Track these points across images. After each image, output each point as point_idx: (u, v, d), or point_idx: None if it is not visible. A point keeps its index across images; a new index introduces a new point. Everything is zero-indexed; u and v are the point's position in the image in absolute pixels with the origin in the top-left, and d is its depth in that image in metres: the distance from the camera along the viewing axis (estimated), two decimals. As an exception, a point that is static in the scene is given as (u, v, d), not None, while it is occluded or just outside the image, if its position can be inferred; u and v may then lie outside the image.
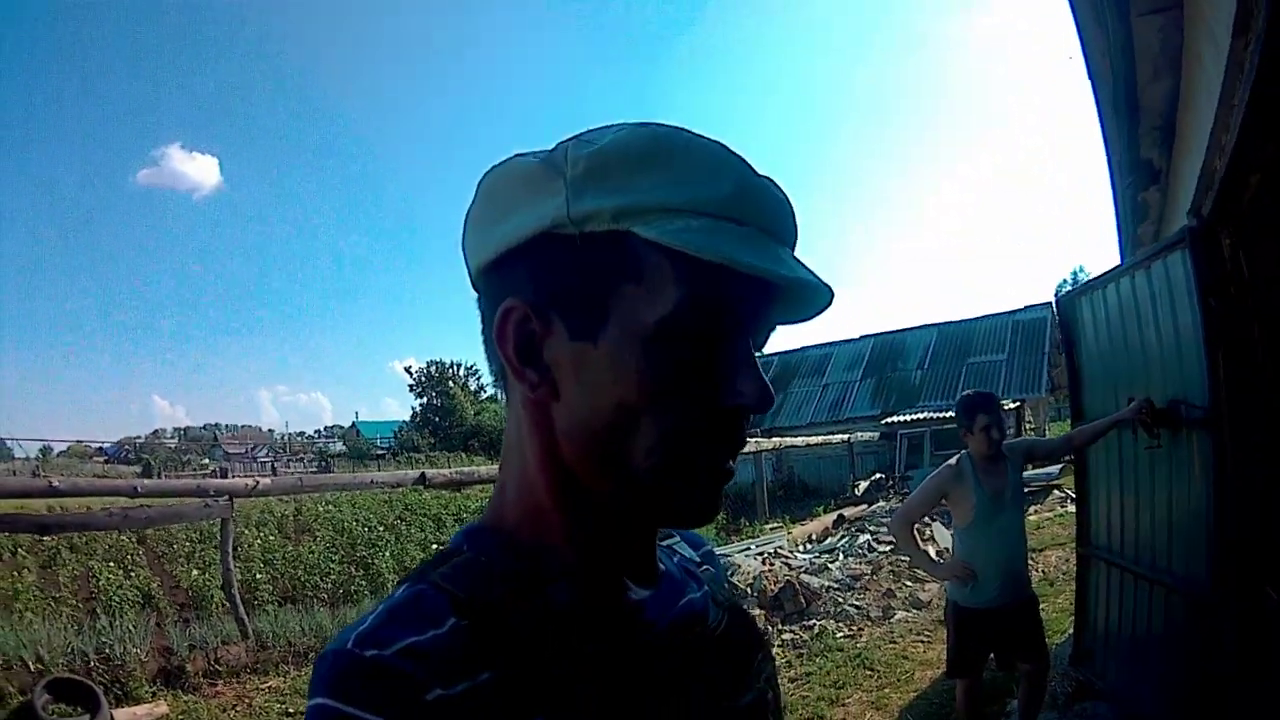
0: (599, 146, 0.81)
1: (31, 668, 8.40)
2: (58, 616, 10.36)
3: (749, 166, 0.84)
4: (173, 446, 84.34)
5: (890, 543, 12.85)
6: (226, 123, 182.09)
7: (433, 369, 67.62)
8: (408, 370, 68.70)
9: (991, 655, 5.35)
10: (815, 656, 8.91)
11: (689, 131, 0.84)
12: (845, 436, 27.79)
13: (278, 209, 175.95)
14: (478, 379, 69.29)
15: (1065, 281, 78.45)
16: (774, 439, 25.92)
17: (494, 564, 0.88)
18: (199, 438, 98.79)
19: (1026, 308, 34.97)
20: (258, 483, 11.06)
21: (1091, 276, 6.41)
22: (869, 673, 8.21)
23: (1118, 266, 5.99)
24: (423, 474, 11.87)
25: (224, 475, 12.25)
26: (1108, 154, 5.99)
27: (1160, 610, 5.39)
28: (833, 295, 0.85)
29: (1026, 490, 17.64)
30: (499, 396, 0.98)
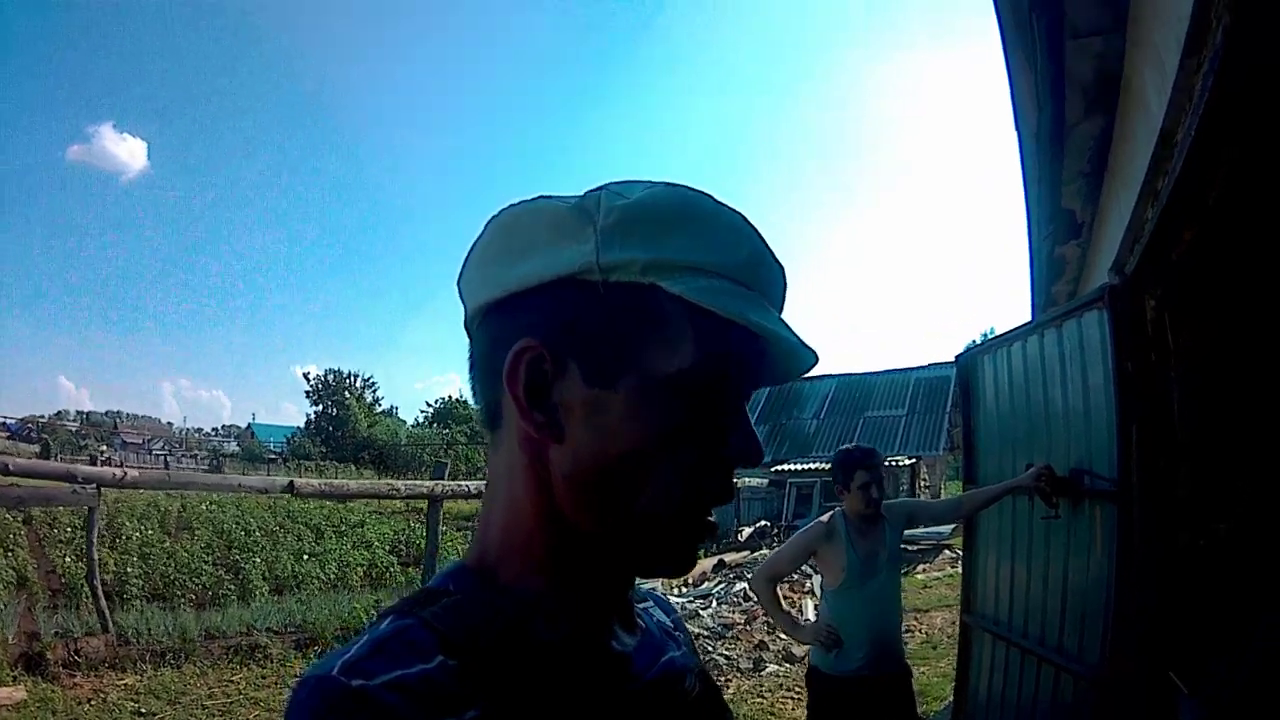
0: (632, 200, 0.84)
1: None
2: (-69, 594, 10.33)
3: (761, 237, 0.90)
4: (73, 429, 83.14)
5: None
6: (160, 108, 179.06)
7: (330, 377, 67.20)
8: (306, 376, 68.51)
9: None
10: (675, 709, 8.61)
11: (713, 198, 0.88)
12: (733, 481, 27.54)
13: (199, 201, 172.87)
14: (374, 391, 69.91)
15: (975, 343, 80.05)
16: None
17: (480, 604, 0.85)
18: (100, 423, 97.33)
19: (930, 365, 35.31)
20: (125, 474, 10.89)
21: (996, 334, 6.11)
22: (731, 730, 7.83)
23: (1026, 324, 5.71)
24: (291, 482, 11.82)
25: (94, 463, 12.04)
26: (1027, 205, 5.64)
27: (1048, 688, 5.05)
28: (816, 360, 0.90)
29: (915, 548, 17.66)
30: (486, 435, 0.98)
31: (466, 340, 0.96)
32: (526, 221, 0.88)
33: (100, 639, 9.44)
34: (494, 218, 0.92)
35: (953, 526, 17.50)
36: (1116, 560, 4.31)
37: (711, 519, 0.89)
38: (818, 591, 12.63)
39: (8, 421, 77.82)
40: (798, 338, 0.85)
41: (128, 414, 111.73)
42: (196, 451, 76.81)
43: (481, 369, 0.92)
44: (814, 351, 0.87)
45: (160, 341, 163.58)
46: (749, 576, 14.80)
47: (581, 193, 0.87)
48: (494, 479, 0.95)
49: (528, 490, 0.89)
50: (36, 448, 48.95)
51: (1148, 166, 3.23)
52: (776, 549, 5.45)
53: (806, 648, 9.98)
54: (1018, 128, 4.65)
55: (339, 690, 0.69)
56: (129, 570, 13.03)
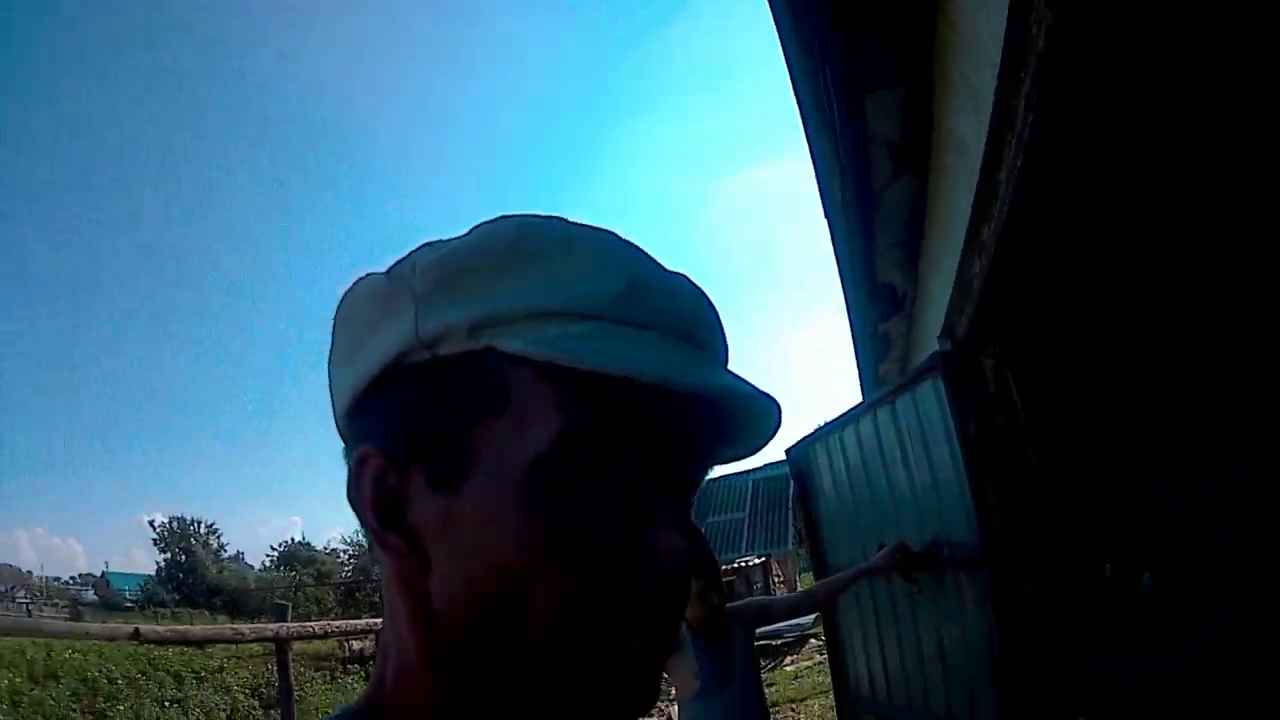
0: (450, 248, 0.65)
1: None
2: None
3: (648, 258, 0.67)
4: (-76, 579, 79.73)
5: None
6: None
7: (175, 525, 65.25)
8: (151, 524, 65.92)
9: None
10: None
11: (566, 220, 0.67)
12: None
13: (35, 341, 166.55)
14: (218, 537, 68.29)
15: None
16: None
17: None
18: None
19: (765, 465, 35.22)
20: None
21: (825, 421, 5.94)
22: None
23: (856, 406, 5.50)
24: (136, 629, 11.38)
25: None
26: (843, 284, 5.46)
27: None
28: (780, 411, 0.65)
29: (779, 641, 17.46)
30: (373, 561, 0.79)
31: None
32: (354, 309, 0.70)
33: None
34: (335, 312, 0.73)
35: (814, 616, 17.49)
36: (994, 622, 4.06)
37: (663, 643, 0.65)
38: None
39: None
40: (734, 380, 0.61)
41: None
42: (57, 600, 73.95)
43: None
44: (772, 399, 0.63)
45: (10, 487, 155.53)
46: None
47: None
48: (385, 609, 0.73)
49: (407, 628, 0.67)
50: None
51: (970, 215, 3.02)
52: None
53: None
54: (824, 200, 4.46)
55: None
56: (-3, 720, 12.42)
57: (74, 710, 13.78)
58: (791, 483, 31.55)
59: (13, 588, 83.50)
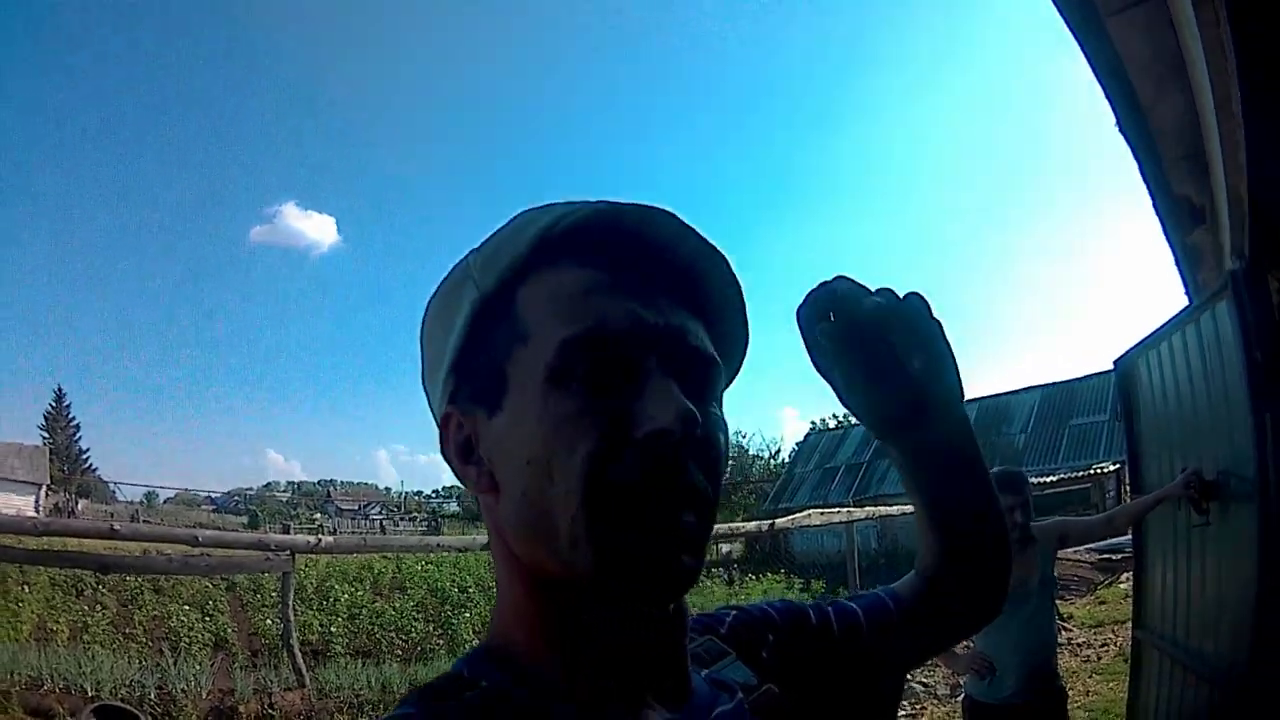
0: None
1: (89, 694, 8.79)
2: (125, 651, 10.83)
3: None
4: (284, 499, 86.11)
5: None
6: (341, 182, 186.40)
7: None
8: None
9: None
10: (866, 738, 8.34)
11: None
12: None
13: (396, 267, 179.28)
14: None
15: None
16: (866, 508, 25.01)
17: (490, 690, 0.78)
18: (312, 492, 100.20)
19: (1136, 367, 33.69)
20: (320, 540, 11.58)
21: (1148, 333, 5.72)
22: (916, 757, 7.48)
23: (1170, 320, 5.25)
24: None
25: (286, 531, 12.56)
26: (1150, 193, 5.23)
27: (1205, 712, 4.57)
28: (731, 275, 0.87)
29: (1119, 556, 16.80)
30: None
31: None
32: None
33: (297, 693, 9.65)
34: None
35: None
36: (1259, 568, 3.86)
37: (686, 519, 0.76)
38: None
39: (213, 496, 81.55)
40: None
41: (342, 481, 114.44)
42: (415, 514, 78.55)
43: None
44: (663, 210, 0.82)
45: (372, 411, 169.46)
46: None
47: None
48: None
49: (501, 553, 0.84)
50: (244, 519, 51.02)
51: (1218, 137, 2.90)
52: None
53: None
54: (1116, 117, 4.31)
55: None
56: (334, 630, 13.19)
57: (416, 620, 14.63)
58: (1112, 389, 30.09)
59: (368, 504, 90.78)
